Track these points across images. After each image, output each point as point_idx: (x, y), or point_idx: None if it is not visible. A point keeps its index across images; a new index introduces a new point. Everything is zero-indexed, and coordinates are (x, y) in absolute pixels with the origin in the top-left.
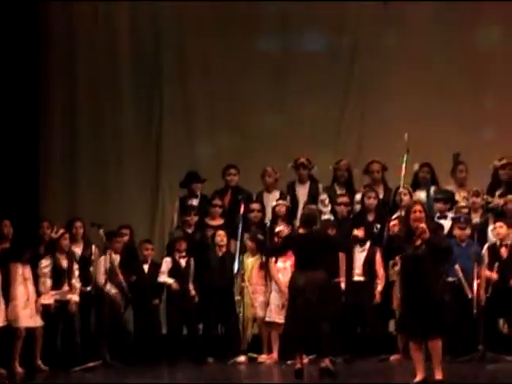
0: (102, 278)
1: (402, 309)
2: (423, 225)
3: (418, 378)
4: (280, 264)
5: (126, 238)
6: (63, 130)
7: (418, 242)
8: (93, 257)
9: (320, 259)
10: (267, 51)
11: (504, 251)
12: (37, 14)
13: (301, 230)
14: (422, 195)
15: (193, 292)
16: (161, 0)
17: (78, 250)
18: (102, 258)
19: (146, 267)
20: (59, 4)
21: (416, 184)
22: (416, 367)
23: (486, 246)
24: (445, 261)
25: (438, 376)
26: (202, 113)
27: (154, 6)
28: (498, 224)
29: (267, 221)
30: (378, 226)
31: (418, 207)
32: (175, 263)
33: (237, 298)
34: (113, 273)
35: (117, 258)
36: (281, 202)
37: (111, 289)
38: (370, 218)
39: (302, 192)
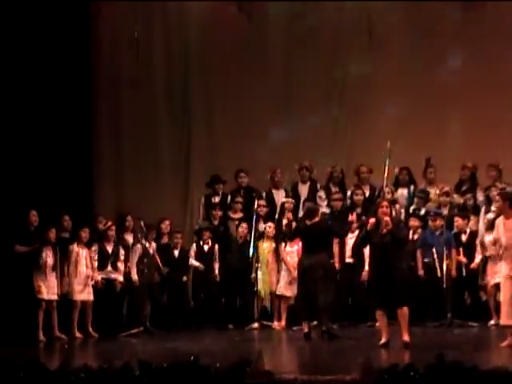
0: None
1: (371, 285)
2: (387, 218)
3: (384, 339)
4: (288, 248)
5: (166, 230)
6: (111, 142)
7: (384, 232)
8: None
9: (322, 245)
10: (275, 85)
11: (464, 238)
12: (88, 63)
13: (307, 222)
14: (404, 193)
15: (216, 271)
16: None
17: (129, 238)
18: (139, 246)
19: (176, 252)
20: (107, 48)
21: (397, 184)
22: (382, 331)
23: (452, 234)
24: (403, 248)
25: (405, 338)
26: (223, 131)
27: (185, 50)
28: (456, 218)
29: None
30: (364, 217)
31: (384, 203)
32: (200, 248)
33: (252, 276)
34: (151, 258)
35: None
36: (289, 199)
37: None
38: (358, 210)
39: (304, 190)
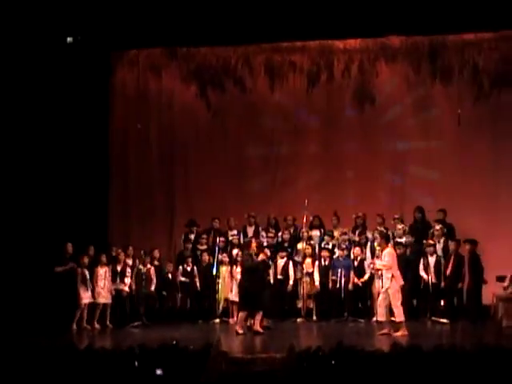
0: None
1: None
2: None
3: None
4: (238, 269)
5: (157, 256)
6: (121, 199)
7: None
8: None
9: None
10: (232, 157)
11: (356, 263)
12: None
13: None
14: (316, 233)
15: (198, 284)
16: None
17: (130, 261)
18: (138, 267)
19: (169, 275)
20: (120, 136)
21: (311, 227)
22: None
23: (350, 260)
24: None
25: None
26: (196, 189)
27: (171, 134)
28: (356, 249)
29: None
30: (289, 249)
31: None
32: (184, 269)
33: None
34: (147, 276)
35: (151, 268)
36: (235, 236)
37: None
38: (286, 244)
39: (250, 231)
